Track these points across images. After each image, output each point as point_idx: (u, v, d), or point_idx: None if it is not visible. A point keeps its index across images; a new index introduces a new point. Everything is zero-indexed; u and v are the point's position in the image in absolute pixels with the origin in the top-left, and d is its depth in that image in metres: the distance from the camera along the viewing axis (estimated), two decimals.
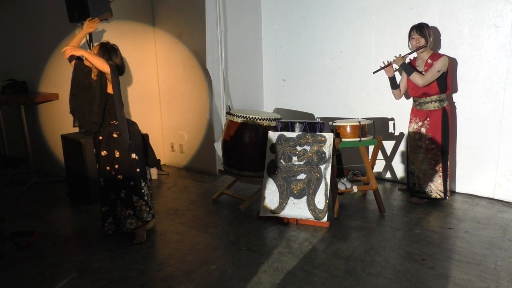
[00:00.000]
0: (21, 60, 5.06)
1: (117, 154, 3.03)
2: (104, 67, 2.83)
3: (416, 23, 3.58)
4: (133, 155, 3.08)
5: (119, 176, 3.05)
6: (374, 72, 3.84)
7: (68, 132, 4.05)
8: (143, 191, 3.12)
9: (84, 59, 2.94)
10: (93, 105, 2.96)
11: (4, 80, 4.95)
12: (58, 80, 4.49)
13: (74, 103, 3.02)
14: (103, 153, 3.05)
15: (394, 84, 3.81)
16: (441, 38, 3.82)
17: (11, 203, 4.13)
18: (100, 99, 2.95)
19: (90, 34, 3.96)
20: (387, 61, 3.73)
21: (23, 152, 4.72)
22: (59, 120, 4.57)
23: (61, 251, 3.06)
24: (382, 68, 3.74)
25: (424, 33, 3.49)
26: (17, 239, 3.10)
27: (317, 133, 3.46)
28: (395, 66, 3.78)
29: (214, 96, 4.63)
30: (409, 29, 3.63)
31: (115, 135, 3.03)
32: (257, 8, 4.98)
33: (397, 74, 3.89)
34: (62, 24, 4.14)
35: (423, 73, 3.54)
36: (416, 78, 3.52)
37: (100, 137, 3.06)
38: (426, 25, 3.53)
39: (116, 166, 3.04)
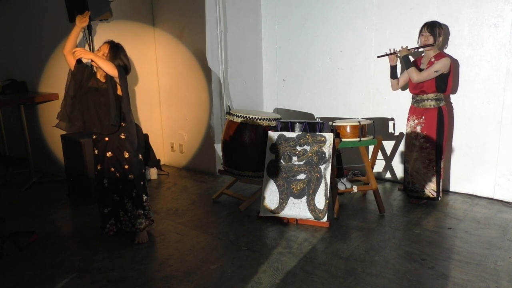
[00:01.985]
0: (21, 60, 5.05)
1: (126, 155, 3.05)
2: (113, 71, 2.84)
3: (416, 23, 3.58)
4: (139, 156, 3.14)
5: (130, 176, 3.07)
6: (378, 56, 3.88)
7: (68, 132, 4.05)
8: (147, 191, 3.19)
9: (91, 62, 2.93)
10: (105, 108, 2.95)
11: (4, 80, 4.96)
12: (58, 80, 4.49)
13: (77, 106, 2.97)
14: (109, 154, 3.05)
15: (394, 74, 3.83)
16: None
17: (11, 203, 4.13)
18: (114, 101, 2.96)
19: (90, 32, 3.96)
20: (393, 49, 3.74)
21: (23, 152, 4.72)
22: None
23: (61, 251, 3.06)
24: (386, 54, 3.76)
25: (434, 31, 3.49)
26: (17, 239, 3.10)
27: (317, 133, 3.46)
28: (398, 54, 3.78)
29: (214, 96, 4.63)
30: (409, 28, 3.64)
31: (123, 136, 3.04)
32: (257, 8, 4.98)
33: (399, 65, 3.90)
34: (62, 24, 4.14)
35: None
36: (412, 73, 3.55)
37: (107, 138, 3.05)
38: (439, 24, 3.53)
39: (126, 167, 3.06)
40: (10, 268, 2.83)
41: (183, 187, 4.44)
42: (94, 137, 3.11)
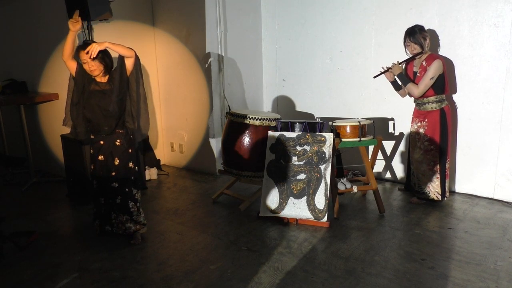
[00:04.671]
0: (21, 60, 5.05)
1: (116, 162, 3.05)
2: (130, 51, 2.91)
3: (416, 23, 3.57)
4: (130, 164, 3.10)
5: (114, 184, 3.06)
6: (374, 77, 3.84)
7: (68, 132, 4.04)
8: (136, 197, 3.15)
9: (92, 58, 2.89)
10: (110, 105, 2.95)
11: (4, 80, 4.95)
12: (58, 80, 4.49)
13: (81, 112, 2.97)
14: (100, 157, 3.06)
15: (397, 87, 3.79)
16: (440, 38, 3.82)
17: (11, 203, 4.13)
18: (117, 95, 2.94)
19: (90, 33, 3.96)
20: (386, 67, 3.72)
21: (23, 152, 4.72)
22: (59, 120, 4.52)
23: (61, 251, 3.06)
24: (381, 73, 3.73)
25: (417, 39, 3.47)
26: (17, 239, 3.10)
27: (317, 133, 3.46)
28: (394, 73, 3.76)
29: (214, 96, 4.63)
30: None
31: (117, 143, 3.04)
32: (257, 8, 4.98)
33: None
34: (62, 24, 4.12)
35: (418, 74, 3.55)
36: (411, 89, 3.55)
37: (102, 142, 3.05)
38: (420, 28, 3.50)
39: (113, 174, 3.05)
40: (10, 268, 2.84)
41: (183, 187, 4.44)
42: (92, 136, 3.10)
